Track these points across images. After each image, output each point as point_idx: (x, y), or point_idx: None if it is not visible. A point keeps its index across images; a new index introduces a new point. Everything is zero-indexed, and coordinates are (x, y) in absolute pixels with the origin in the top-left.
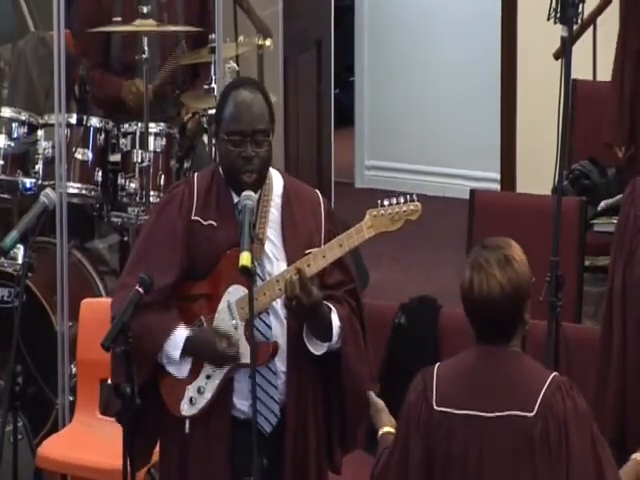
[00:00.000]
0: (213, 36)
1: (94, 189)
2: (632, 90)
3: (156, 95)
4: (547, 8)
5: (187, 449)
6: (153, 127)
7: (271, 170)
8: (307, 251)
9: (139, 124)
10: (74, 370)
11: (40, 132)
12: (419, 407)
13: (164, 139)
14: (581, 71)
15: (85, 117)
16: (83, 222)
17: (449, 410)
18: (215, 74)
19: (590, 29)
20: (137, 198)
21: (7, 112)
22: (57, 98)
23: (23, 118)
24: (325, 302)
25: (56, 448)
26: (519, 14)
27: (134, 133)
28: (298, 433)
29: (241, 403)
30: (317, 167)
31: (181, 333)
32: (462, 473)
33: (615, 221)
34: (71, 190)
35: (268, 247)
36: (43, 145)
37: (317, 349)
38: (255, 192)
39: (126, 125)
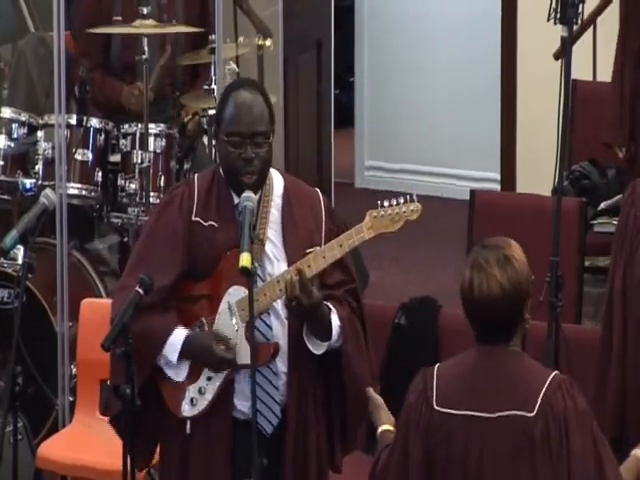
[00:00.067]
0: (213, 37)
1: (94, 190)
2: (632, 90)
3: (157, 97)
4: (547, 8)
5: (188, 450)
6: (153, 128)
7: (271, 170)
8: (308, 251)
9: (139, 125)
10: (74, 370)
11: (40, 133)
12: (419, 408)
13: (164, 140)
14: (581, 71)
15: (85, 118)
16: (83, 223)
17: (449, 411)
18: (215, 75)
19: (590, 29)
20: (137, 199)
21: (7, 113)
22: (57, 99)
23: (23, 119)
24: (325, 302)
25: (56, 449)
26: (519, 14)
27: (134, 134)
28: (299, 433)
29: (242, 404)
30: (317, 167)
31: (179, 336)
32: (462, 474)
33: (615, 222)
34: (71, 191)
35: (268, 248)
36: (43, 146)
37: (317, 349)
38: (255, 193)
39: (126, 126)
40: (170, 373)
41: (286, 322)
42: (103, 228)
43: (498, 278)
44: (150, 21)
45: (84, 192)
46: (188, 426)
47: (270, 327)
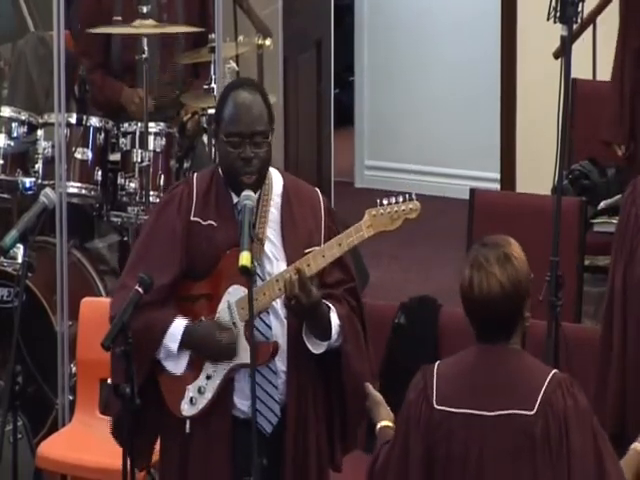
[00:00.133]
0: (213, 36)
1: (94, 189)
2: (632, 89)
3: (157, 107)
4: (547, 8)
5: (187, 449)
6: (153, 127)
7: (270, 169)
8: (307, 250)
9: (139, 124)
10: (74, 370)
11: (40, 132)
12: (419, 406)
13: (164, 139)
14: (581, 71)
15: (85, 117)
16: (83, 222)
17: (449, 409)
18: (215, 74)
19: (590, 28)
20: (137, 198)
21: (7, 112)
22: (57, 98)
23: (23, 118)
24: (324, 301)
25: (56, 448)
26: (519, 14)
27: (134, 133)
28: (298, 433)
29: (242, 403)
30: (317, 167)
31: (179, 326)
32: (462, 472)
33: (615, 221)
34: (71, 190)
35: (268, 247)
36: (43, 145)
37: (316, 348)
38: (255, 192)
39: (126, 125)
40: (169, 366)
41: (285, 321)
42: (103, 227)
43: (498, 276)
44: (150, 21)
45: (84, 191)
46: (188, 425)
47: (269, 326)
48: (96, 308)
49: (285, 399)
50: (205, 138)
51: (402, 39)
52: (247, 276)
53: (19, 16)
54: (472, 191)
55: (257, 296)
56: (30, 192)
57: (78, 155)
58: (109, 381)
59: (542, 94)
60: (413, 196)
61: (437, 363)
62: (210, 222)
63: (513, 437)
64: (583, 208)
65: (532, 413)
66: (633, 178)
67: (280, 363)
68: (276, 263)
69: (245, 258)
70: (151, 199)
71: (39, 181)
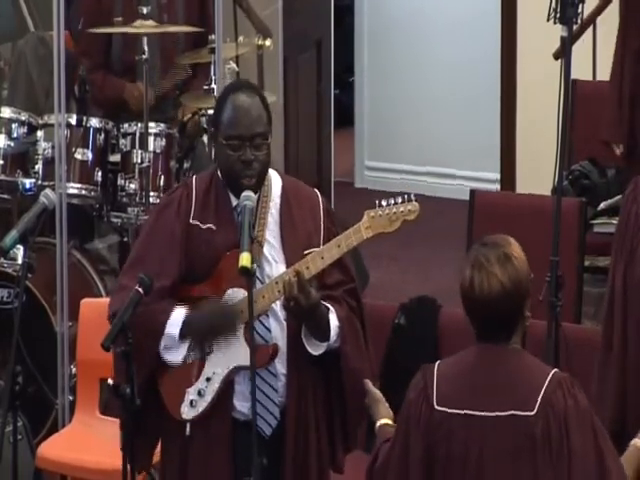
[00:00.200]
0: (213, 36)
1: (94, 189)
2: (632, 89)
3: (158, 101)
4: (547, 8)
5: (188, 452)
6: (153, 127)
7: (269, 171)
8: (306, 252)
9: (139, 124)
10: (74, 370)
11: (40, 132)
12: (419, 406)
13: (164, 139)
14: (581, 71)
15: (85, 117)
16: (83, 222)
17: (449, 410)
18: (215, 74)
19: (590, 29)
20: (137, 198)
21: (7, 112)
22: (57, 98)
23: (23, 118)
24: (323, 302)
25: (56, 448)
26: (519, 14)
27: (134, 133)
28: (299, 435)
29: (241, 405)
30: (317, 167)
31: (178, 314)
32: (462, 472)
33: (615, 222)
34: (71, 190)
35: (267, 249)
36: (43, 145)
37: (315, 349)
38: (254, 194)
39: (126, 125)
40: (169, 356)
41: (285, 324)
42: (103, 228)
43: (499, 276)
44: (150, 21)
45: (84, 192)
46: (188, 428)
47: (269, 329)
48: (96, 309)
49: (285, 401)
50: (205, 139)
51: (402, 39)
52: (247, 277)
53: (19, 16)
54: (472, 192)
55: (256, 298)
56: (30, 193)
57: (78, 156)
58: (109, 381)
59: (542, 94)
60: (412, 197)
61: (437, 363)
62: (209, 225)
63: (513, 437)
64: (583, 209)
65: (532, 413)
66: (634, 176)
67: (280, 365)
68: (275, 265)
69: (245, 259)
70: (151, 200)
71: (39, 182)
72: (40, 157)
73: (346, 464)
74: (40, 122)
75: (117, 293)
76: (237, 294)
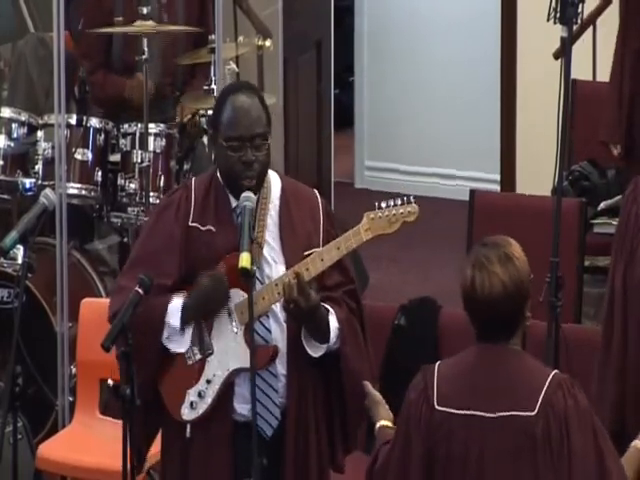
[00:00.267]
0: (213, 37)
1: (94, 189)
2: (632, 90)
3: (157, 99)
4: (547, 8)
5: (188, 453)
6: (153, 128)
7: (269, 172)
8: (306, 253)
9: (139, 124)
10: (74, 370)
11: (40, 132)
12: (420, 406)
13: (164, 140)
14: (581, 71)
15: (85, 117)
16: (83, 223)
17: (450, 410)
18: (215, 75)
19: (590, 29)
20: (137, 198)
21: (7, 112)
22: (57, 99)
23: (23, 118)
24: (323, 304)
25: (56, 449)
26: (519, 14)
27: (134, 133)
28: (299, 435)
29: (242, 407)
30: (317, 167)
31: (176, 303)
32: (462, 473)
33: (615, 222)
34: (71, 190)
35: (266, 250)
36: (43, 145)
37: (315, 351)
38: (254, 195)
39: (126, 125)
40: (172, 346)
41: (285, 325)
42: (103, 228)
43: (500, 276)
44: (150, 21)
45: (84, 192)
46: (188, 430)
47: (269, 330)
48: (96, 309)
49: (285, 402)
50: (205, 139)
51: (402, 40)
52: (247, 278)
53: (19, 17)
54: (472, 192)
55: (256, 300)
56: (30, 193)
57: (78, 156)
58: (109, 382)
59: (542, 95)
60: (411, 199)
61: (437, 363)
62: (209, 227)
63: (514, 438)
64: (583, 209)
65: (533, 414)
66: (634, 177)
67: (280, 366)
68: (275, 266)
69: (245, 260)
70: (151, 200)
71: (39, 182)
72: (40, 157)
73: (346, 465)
74: (40, 122)
75: (117, 294)
76: (237, 295)
